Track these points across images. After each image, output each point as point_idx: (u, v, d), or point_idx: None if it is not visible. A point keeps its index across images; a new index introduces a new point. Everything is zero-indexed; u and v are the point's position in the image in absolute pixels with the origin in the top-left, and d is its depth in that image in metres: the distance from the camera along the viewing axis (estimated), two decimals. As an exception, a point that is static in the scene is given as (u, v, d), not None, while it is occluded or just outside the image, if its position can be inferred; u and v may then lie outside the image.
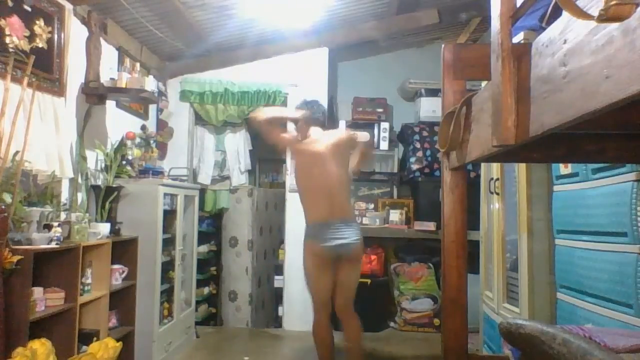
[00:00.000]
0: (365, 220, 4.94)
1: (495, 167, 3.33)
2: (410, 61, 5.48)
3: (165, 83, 4.76)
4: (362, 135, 3.52)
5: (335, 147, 3.09)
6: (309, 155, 3.09)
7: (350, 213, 3.21)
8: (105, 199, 3.32)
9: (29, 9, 2.79)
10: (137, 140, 3.89)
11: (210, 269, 5.21)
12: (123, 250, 3.33)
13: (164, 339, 3.69)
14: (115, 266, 3.23)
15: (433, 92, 5.01)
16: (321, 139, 3.12)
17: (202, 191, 4.93)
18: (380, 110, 5.28)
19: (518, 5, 1.24)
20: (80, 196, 3.26)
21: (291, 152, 3.32)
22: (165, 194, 3.69)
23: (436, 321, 4.65)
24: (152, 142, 4.07)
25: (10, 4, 2.65)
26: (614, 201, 2.16)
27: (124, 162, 3.60)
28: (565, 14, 1.00)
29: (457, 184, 2.18)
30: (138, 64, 4.08)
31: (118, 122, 3.83)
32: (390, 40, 5.12)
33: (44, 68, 2.89)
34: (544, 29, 1.56)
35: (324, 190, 3.00)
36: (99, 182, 3.46)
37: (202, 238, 4.90)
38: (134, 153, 3.74)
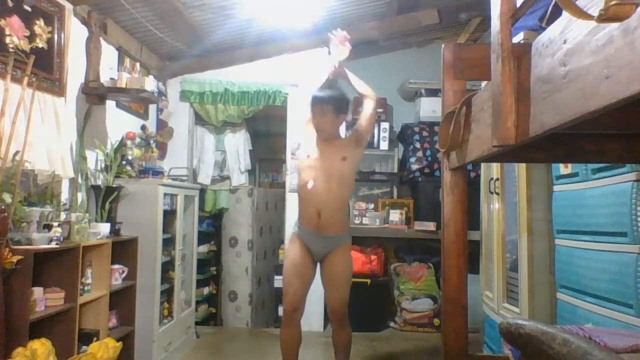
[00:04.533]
0: (365, 220, 4.95)
1: (495, 167, 3.33)
2: (410, 61, 5.48)
3: (165, 83, 4.76)
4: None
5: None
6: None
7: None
8: (105, 199, 3.33)
9: (29, 9, 2.79)
10: (137, 140, 3.89)
11: (210, 269, 5.21)
12: (123, 250, 3.33)
13: (164, 339, 3.68)
14: (115, 266, 3.23)
15: (433, 92, 5.02)
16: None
17: (202, 191, 4.93)
18: (380, 110, 5.26)
19: (518, 5, 1.24)
20: (80, 196, 3.26)
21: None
22: (165, 194, 3.68)
23: (436, 321, 4.65)
24: (152, 142, 4.07)
25: (10, 4, 2.65)
26: (614, 201, 2.16)
27: (124, 162, 3.60)
28: (565, 14, 1.00)
29: (457, 184, 2.18)
30: (138, 64, 4.08)
31: (118, 122, 3.83)
32: (390, 40, 5.11)
33: (44, 68, 2.89)
34: (544, 29, 1.56)
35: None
36: (99, 182, 3.46)
37: (202, 238, 4.90)
38: (134, 153, 3.74)
